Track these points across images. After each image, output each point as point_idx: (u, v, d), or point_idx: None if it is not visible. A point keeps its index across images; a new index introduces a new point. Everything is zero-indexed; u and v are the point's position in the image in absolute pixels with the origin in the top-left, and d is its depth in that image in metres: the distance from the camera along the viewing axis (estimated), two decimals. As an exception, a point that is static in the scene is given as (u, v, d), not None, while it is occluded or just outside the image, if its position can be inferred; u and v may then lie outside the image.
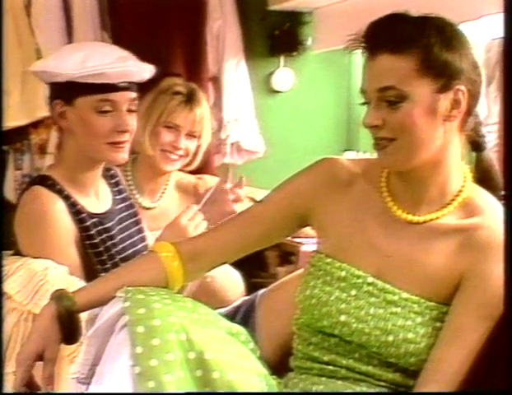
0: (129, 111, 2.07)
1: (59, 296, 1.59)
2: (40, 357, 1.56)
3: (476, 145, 1.63)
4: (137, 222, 2.26)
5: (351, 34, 1.55)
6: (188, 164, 2.75)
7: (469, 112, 1.54)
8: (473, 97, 1.53)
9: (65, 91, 2.04)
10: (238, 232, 1.67)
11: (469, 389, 1.49)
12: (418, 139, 1.50)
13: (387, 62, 1.49)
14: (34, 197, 2.04)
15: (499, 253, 1.49)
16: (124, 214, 2.22)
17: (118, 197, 2.22)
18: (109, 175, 2.22)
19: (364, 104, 1.55)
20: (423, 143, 1.50)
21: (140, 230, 2.26)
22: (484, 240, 1.51)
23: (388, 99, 1.49)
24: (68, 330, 1.58)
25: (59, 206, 2.03)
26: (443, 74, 1.49)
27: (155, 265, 1.64)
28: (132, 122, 2.09)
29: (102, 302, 1.57)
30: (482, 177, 1.62)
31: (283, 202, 1.67)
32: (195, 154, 2.73)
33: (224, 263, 1.74)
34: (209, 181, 2.87)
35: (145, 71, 2.12)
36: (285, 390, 1.62)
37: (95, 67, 2.00)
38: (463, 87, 1.51)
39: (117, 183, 2.24)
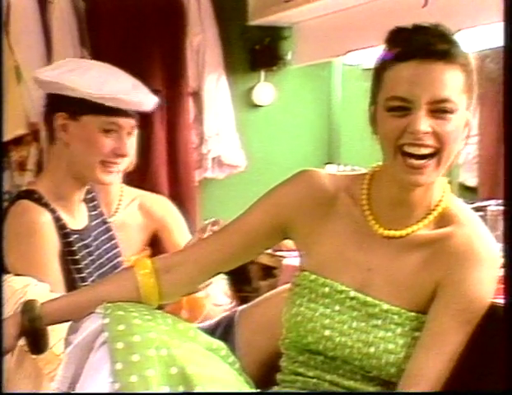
0: (128, 135, 2.14)
1: (26, 307, 1.61)
2: None
3: None
4: (112, 237, 2.26)
5: (387, 33, 1.52)
6: None
7: None
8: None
9: (73, 106, 2.06)
10: (216, 245, 1.67)
11: (469, 389, 1.50)
12: (453, 154, 1.51)
13: (442, 72, 1.47)
14: (22, 210, 2.05)
15: (473, 260, 1.51)
16: (99, 230, 2.22)
17: (93, 212, 2.23)
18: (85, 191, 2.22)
19: (395, 109, 1.50)
20: (451, 159, 1.52)
21: (115, 246, 2.26)
22: (458, 248, 1.52)
23: (440, 109, 1.48)
24: (32, 341, 1.61)
25: (46, 219, 2.04)
26: (473, 92, 1.52)
27: (130, 282, 1.63)
28: (131, 148, 2.15)
29: (73, 315, 1.59)
30: None
31: (263, 214, 1.66)
32: None
33: (204, 279, 1.72)
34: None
35: (151, 102, 2.19)
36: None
37: (113, 91, 2.06)
38: (472, 109, 1.54)
39: (92, 199, 2.25)
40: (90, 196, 2.24)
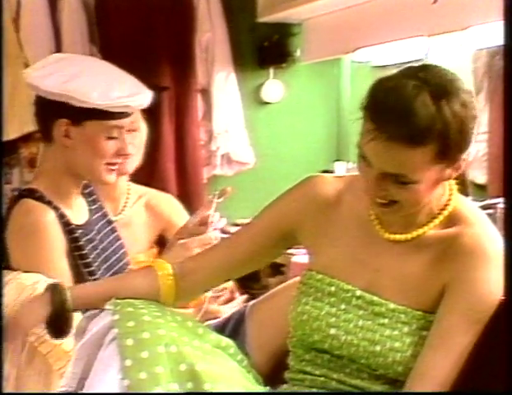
0: (128, 132, 2.13)
1: (54, 289, 1.64)
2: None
3: None
4: (114, 230, 2.27)
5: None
6: None
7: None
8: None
9: (77, 113, 2.04)
10: (226, 252, 1.68)
11: (469, 390, 1.49)
12: (422, 202, 1.50)
13: (402, 153, 1.42)
14: (27, 209, 2.04)
15: (482, 259, 1.50)
16: (101, 223, 2.23)
17: (93, 207, 2.23)
18: (83, 186, 2.22)
19: (362, 157, 1.49)
20: (423, 202, 1.51)
21: (117, 238, 2.27)
22: (466, 247, 1.52)
23: (396, 180, 1.45)
24: (58, 324, 1.62)
25: (51, 218, 2.04)
26: (457, 156, 1.47)
27: (152, 280, 1.66)
28: (131, 145, 2.15)
29: (97, 302, 1.61)
30: None
31: (271, 221, 1.67)
32: None
33: (216, 284, 1.76)
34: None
35: (150, 98, 2.16)
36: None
37: (119, 98, 2.04)
38: (465, 156, 1.49)
39: (90, 194, 2.25)
40: (88, 190, 2.24)
